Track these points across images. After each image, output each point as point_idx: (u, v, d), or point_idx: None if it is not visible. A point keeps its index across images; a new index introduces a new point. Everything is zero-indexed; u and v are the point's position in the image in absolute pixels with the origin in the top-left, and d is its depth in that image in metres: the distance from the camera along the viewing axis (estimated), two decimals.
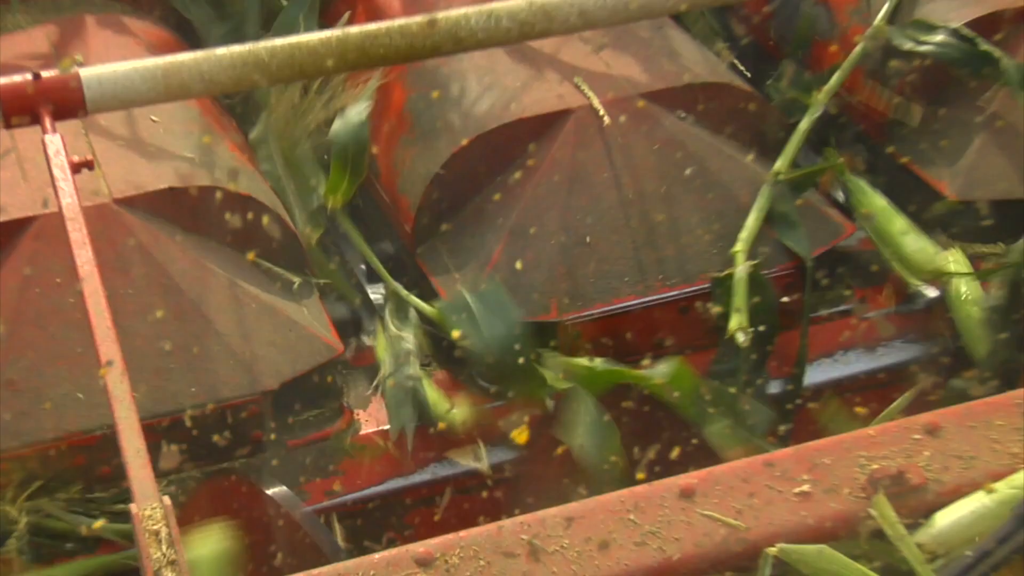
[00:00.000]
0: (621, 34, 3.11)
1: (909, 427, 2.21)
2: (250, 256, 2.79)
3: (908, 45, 3.06)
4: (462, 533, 2.03)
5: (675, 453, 2.57)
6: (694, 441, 2.61)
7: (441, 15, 2.68)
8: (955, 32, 3.05)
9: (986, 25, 3.07)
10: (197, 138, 2.92)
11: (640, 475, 2.51)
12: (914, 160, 3.10)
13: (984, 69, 3.02)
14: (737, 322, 2.67)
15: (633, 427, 2.66)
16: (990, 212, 2.96)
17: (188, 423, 2.57)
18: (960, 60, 3.04)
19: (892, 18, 3.14)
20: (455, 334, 2.69)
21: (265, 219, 2.80)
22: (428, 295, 2.86)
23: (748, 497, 2.10)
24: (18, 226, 2.68)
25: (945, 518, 2.11)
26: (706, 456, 2.56)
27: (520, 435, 2.62)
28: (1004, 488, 2.11)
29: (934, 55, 3.06)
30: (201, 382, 2.60)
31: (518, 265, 2.78)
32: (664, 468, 2.52)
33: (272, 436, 2.64)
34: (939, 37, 3.06)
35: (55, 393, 2.55)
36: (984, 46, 3.02)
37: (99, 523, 2.51)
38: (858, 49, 3.09)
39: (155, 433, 2.53)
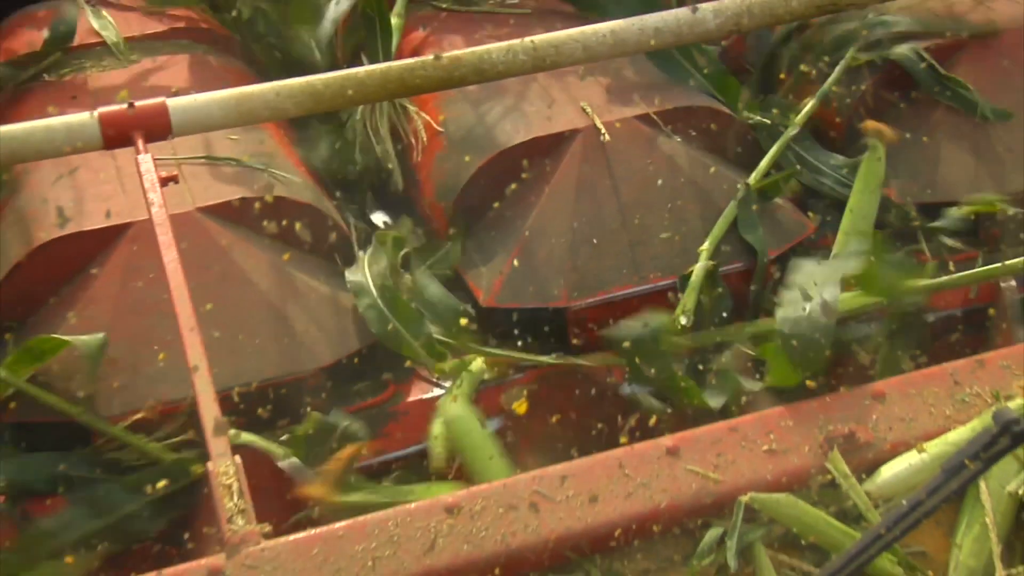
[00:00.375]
0: (618, 65, 3.10)
1: (859, 394, 2.22)
2: (285, 257, 2.78)
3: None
4: (480, 487, 2.04)
5: (652, 421, 2.56)
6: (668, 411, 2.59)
7: (467, 51, 2.69)
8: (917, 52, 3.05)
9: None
10: (265, 155, 2.93)
11: (623, 439, 2.50)
12: None
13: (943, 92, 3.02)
14: (681, 308, 2.67)
15: (616, 401, 2.66)
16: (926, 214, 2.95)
17: (253, 396, 2.58)
18: (922, 78, 3.03)
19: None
20: None
21: (320, 222, 2.81)
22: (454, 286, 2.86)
23: (721, 455, 2.11)
24: (118, 231, 2.70)
25: (889, 471, 2.12)
26: (680, 424, 2.56)
27: (520, 406, 2.61)
28: (937, 446, 2.11)
29: (900, 62, 3.04)
30: (269, 361, 2.61)
31: (534, 259, 2.78)
32: (644, 434, 2.51)
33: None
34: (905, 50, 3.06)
35: (149, 370, 2.57)
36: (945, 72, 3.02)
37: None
38: (831, 78, 3.07)
39: (228, 403, 2.54)
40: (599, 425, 2.56)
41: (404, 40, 3.38)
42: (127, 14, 3.53)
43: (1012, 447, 1.52)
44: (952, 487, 1.52)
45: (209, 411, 2.04)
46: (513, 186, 2.87)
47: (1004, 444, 1.52)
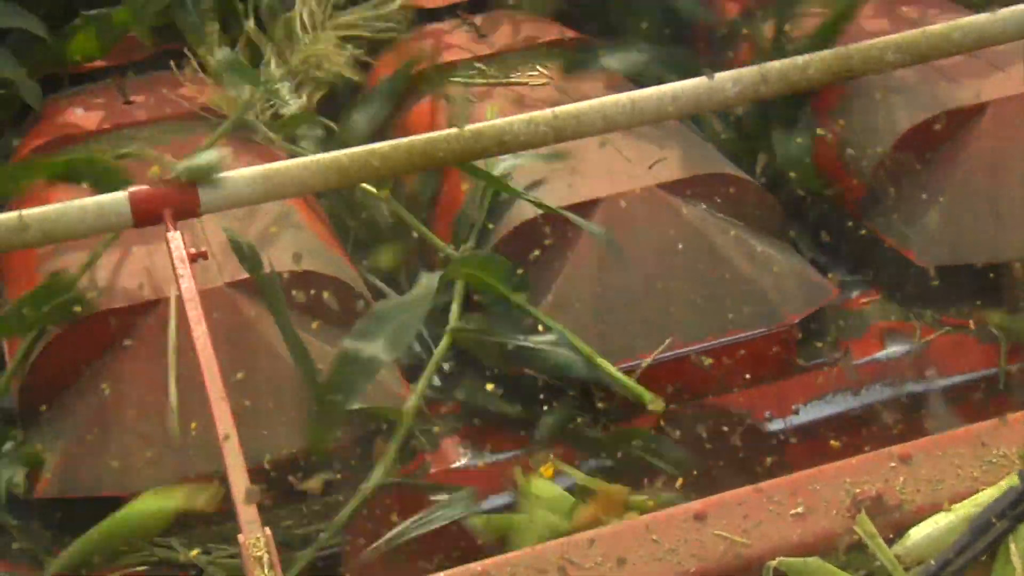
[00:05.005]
0: (638, 134, 3.12)
1: (885, 457, 2.20)
2: (314, 326, 2.79)
3: None
4: (509, 555, 2.03)
5: (679, 483, 2.55)
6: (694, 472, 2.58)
7: (488, 124, 2.71)
8: None
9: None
10: (291, 228, 2.95)
11: (650, 502, 2.49)
12: (880, 229, 3.08)
13: None
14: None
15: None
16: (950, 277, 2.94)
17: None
18: None
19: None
20: None
21: (345, 294, 2.82)
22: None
23: (749, 519, 2.09)
24: (150, 306, 2.72)
25: (918, 533, 2.09)
26: (704, 486, 2.55)
27: (547, 470, 2.60)
28: (966, 507, 2.09)
29: None
30: (296, 432, 2.61)
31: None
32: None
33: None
34: None
35: (180, 443, 2.58)
36: None
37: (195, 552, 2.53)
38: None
39: (260, 474, 2.55)
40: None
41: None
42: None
43: None
44: (980, 546, 1.51)
45: (239, 480, 2.04)
46: (536, 253, 2.88)
47: None
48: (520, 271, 2.85)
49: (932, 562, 1.55)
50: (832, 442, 2.26)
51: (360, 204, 3.23)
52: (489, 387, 2.72)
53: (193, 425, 2.54)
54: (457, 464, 2.72)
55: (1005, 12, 2.74)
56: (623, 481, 2.50)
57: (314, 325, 2.77)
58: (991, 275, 2.96)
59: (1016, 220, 2.97)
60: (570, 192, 2.94)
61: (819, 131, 3.21)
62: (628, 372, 2.73)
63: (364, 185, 3.06)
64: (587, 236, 2.86)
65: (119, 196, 2.53)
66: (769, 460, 2.64)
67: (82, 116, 3.48)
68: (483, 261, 2.84)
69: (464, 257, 2.90)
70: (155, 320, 2.69)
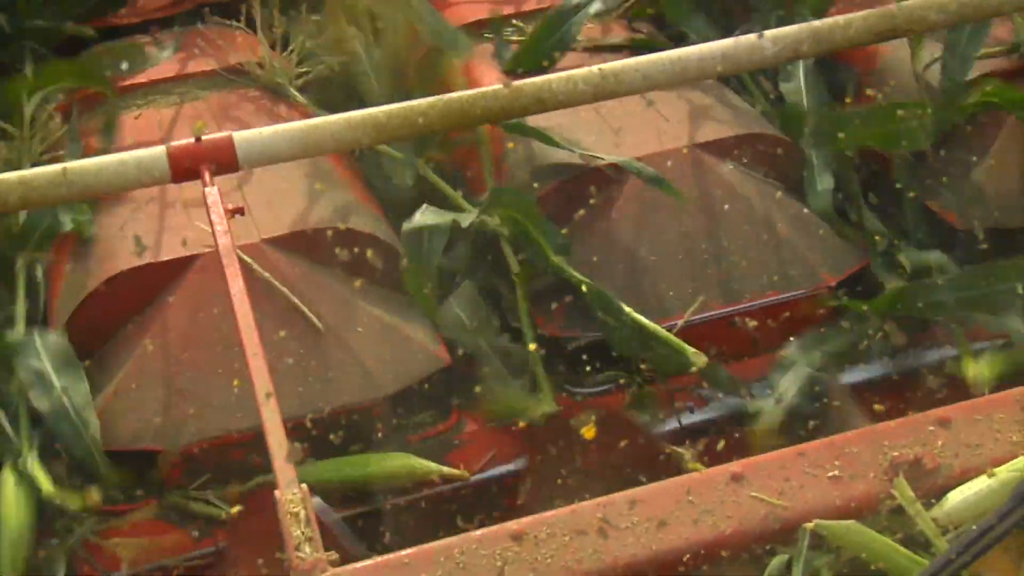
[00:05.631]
0: (677, 94, 3.10)
1: (924, 420, 2.18)
2: (356, 284, 2.79)
3: None
4: (547, 514, 2.03)
5: (720, 445, 2.54)
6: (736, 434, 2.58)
7: (528, 81, 2.69)
8: None
9: None
10: (331, 186, 2.95)
11: (694, 465, 2.49)
12: (922, 194, 3.06)
13: None
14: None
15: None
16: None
17: (315, 424, 2.59)
18: None
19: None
20: None
21: (384, 252, 2.82)
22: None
23: (787, 481, 2.08)
24: (186, 262, 2.73)
25: (956, 497, 2.08)
26: (743, 448, 2.54)
27: (588, 431, 2.60)
28: (1005, 472, 2.07)
29: None
30: (332, 389, 2.62)
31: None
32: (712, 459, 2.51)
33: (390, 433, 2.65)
34: None
35: (218, 399, 2.59)
36: None
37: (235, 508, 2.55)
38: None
39: (300, 431, 2.56)
40: (667, 451, 2.56)
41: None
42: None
43: None
44: (1022, 512, 1.50)
45: (277, 439, 2.05)
46: (581, 212, 2.87)
47: None
48: (564, 231, 2.85)
49: (973, 527, 1.53)
50: (875, 406, 2.24)
51: (387, 170, 3.22)
52: (532, 347, 2.71)
53: (236, 382, 2.55)
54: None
55: None
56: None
57: (357, 284, 2.77)
58: None
59: None
60: (611, 151, 2.92)
61: (868, 91, 3.16)
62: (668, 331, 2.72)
63: (386, 149, 3.05)
64: (627, 195, 2.84)
65: (157, 151, 2.53)
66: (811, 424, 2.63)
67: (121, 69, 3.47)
68: (525, 204, 2.83)
69: (507, 193, 2.88)
70: (196, 275, 2.70)
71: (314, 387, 2.61)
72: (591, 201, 2.87)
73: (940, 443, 2.14)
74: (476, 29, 3.49)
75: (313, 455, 2.59)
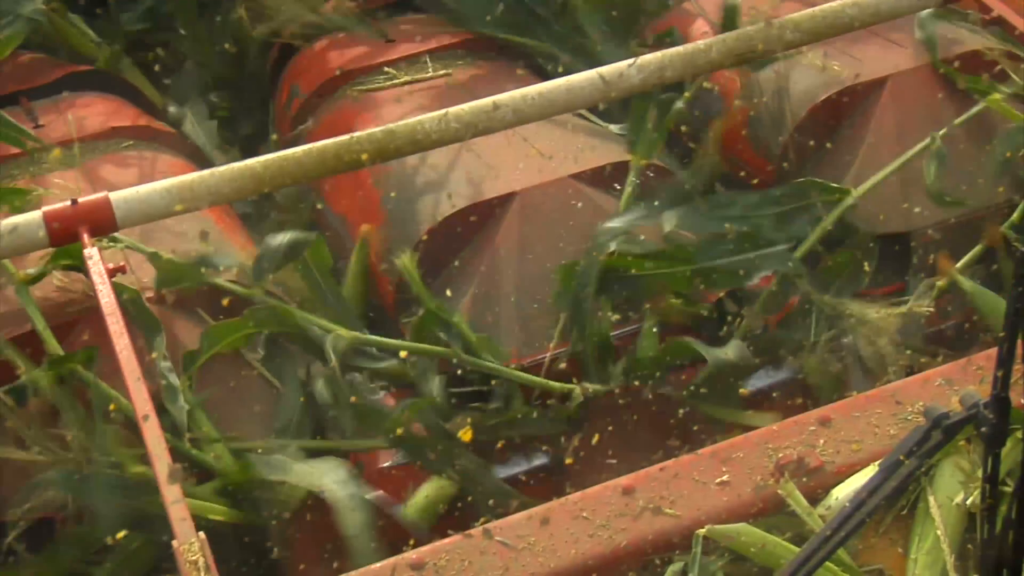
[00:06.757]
0: (549, 126, 3.15)
1: (806, 421, 2.26)
2: None
3: None
4: (444, 541, 2.06)
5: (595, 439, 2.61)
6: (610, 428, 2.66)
7: (400, 123, 2.73)
8: None
9: None
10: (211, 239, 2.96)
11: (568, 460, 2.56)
12: None
13: None
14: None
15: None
16: None
17: None
18: None
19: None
20: None
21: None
22: None
23: (678, 490, 2.14)
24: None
25: (840, 492, 2.15)
26: (621, 441, 2.62)
27: (465, 434, 2.64)
28: None
29: None
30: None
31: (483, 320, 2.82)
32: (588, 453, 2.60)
33: None
34: None
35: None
36: None
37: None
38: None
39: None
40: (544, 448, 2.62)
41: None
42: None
43: (945, 442, 1.56)
44: (891, 485, 1.56)
45: (170, 491, 2.04)
46: (455, 263, 2.92)
47: (937, 439, 1.56)
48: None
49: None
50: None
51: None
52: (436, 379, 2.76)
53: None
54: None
55: None
56: None
57: None
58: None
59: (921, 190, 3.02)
60: (490, 185, 2.97)
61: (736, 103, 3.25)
62: (554, 359, 2.77)
63: None
64: (505, 229, 2.89)
65: (34, 216, 2.53)
66: None
67: None
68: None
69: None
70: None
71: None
72: (472, 238, 2.92)
73: (822, 442, 2.21)
74: (349, 79, 3.54)
75: None
